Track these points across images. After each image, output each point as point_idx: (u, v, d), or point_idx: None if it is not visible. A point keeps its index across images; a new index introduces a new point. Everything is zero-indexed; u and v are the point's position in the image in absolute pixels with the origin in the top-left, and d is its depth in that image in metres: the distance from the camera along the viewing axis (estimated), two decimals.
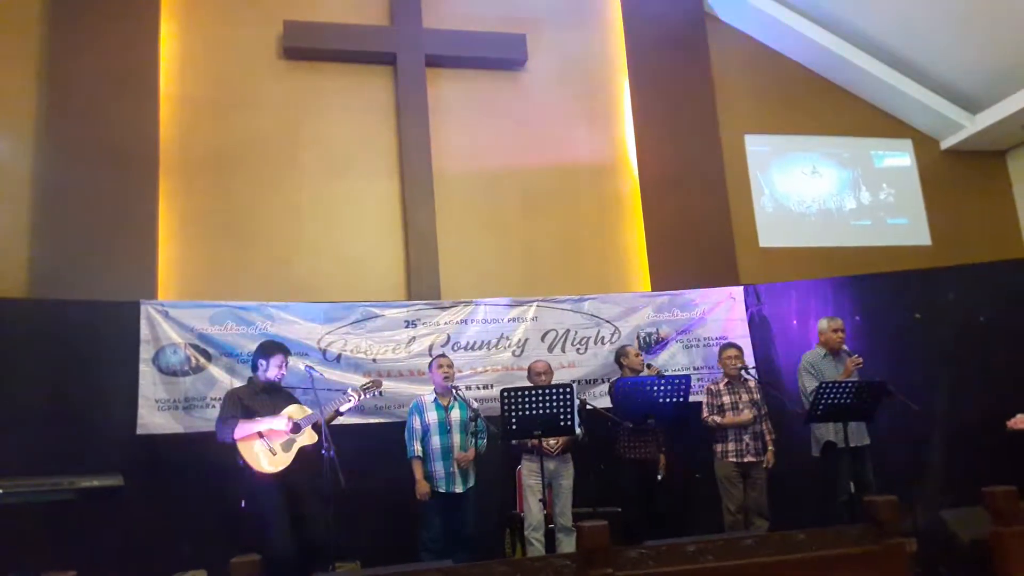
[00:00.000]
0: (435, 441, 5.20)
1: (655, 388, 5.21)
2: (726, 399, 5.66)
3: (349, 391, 5.17)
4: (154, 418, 5.54)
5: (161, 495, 5.27)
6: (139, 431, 5.47)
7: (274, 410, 4.90)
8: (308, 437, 4.89)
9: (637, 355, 5.90)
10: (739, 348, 5.88)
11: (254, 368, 5.08)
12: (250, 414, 4.84)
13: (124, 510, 5.02)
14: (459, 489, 5.16)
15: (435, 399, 5.33)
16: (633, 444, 5.55)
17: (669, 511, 5.36)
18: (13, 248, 5.94)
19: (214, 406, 5.58)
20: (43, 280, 5.86)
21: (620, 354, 6.00)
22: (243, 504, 4.78)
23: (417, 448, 5.20)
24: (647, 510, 5.38)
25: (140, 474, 5.16)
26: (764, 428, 5.63)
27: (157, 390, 5.60)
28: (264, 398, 4.96)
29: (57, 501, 4.69)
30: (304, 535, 4.75)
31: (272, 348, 5.10)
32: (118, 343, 5.57)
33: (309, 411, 4.97)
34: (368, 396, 5.24)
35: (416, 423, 5.25)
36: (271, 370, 5.00)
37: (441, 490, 5.14)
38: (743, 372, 5.73)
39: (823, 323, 5.76)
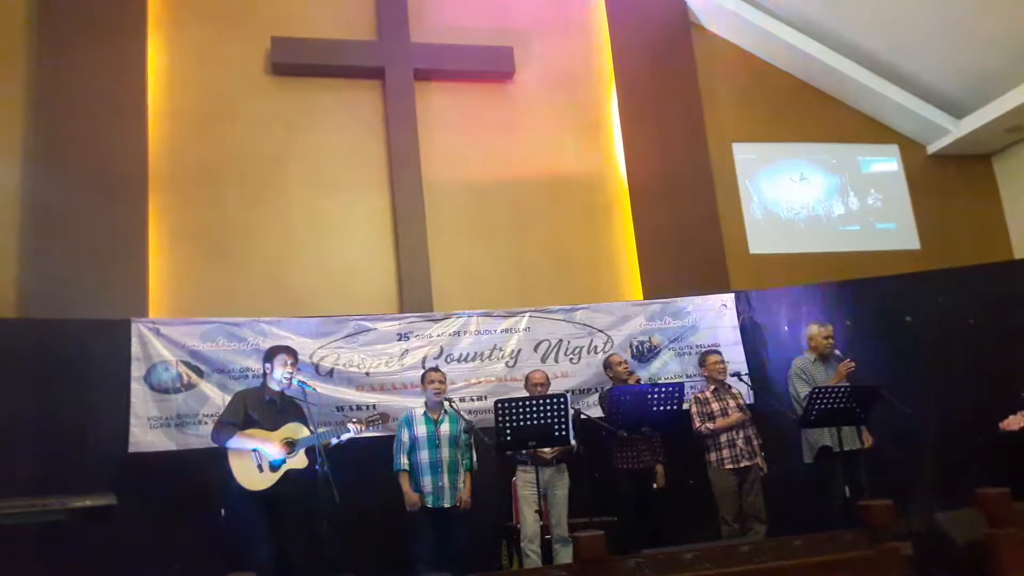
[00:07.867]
0: (423, 455, 5.15)
1: (649, 396, 5.22)
2: (715, 406, 5.65)
3: (350, 424, 5.05)
4: (146, 436, 5.51)
5: (154, 513, 5.20)
6: (131, 449, 5.44)
7: (273, 424, 4.81)
8: (299, 460, 4.77)
9: (621, 364, 5.86)
10: (720, 353, 5.90)
11: (263, 376, 5.02)
12: (250, 422, 4.77)
13: (117, 529, 4.95)
14: (447, 504, 5.10)
15: (425, 412, 5.28)
16: (627, 454, 5.55)
17: (665, 520, 5.35)
18: (2, 267, 5.91)
19: (207, 423, 5.55)
20: (33, 299, 5.83)
21: (605, 365, 6.00)
22: (223, 512, 4.70)
23: (403, 461, 5.15)
24: (643, 520, 5.37)
25: (133, 493, 5.06)
26: (752, 433, 5.63)
27: (149, 408, 5.56)
28: (269, 409, 4.86)
29: (49, 522, 4.64)
30: (289, 550, 4.68)
31: (273, 350, 5.03)
32: (109, 361, 5.54)
33: (308, 432, 4.81)
34: (371, 429, 5.18)
35: (404, 436, 5.21)
36: (276, 370, 4.90)
37: (429, 504, 5.08)
38: (737, 377, 5.74)
39: (813, 328, 5.77)
